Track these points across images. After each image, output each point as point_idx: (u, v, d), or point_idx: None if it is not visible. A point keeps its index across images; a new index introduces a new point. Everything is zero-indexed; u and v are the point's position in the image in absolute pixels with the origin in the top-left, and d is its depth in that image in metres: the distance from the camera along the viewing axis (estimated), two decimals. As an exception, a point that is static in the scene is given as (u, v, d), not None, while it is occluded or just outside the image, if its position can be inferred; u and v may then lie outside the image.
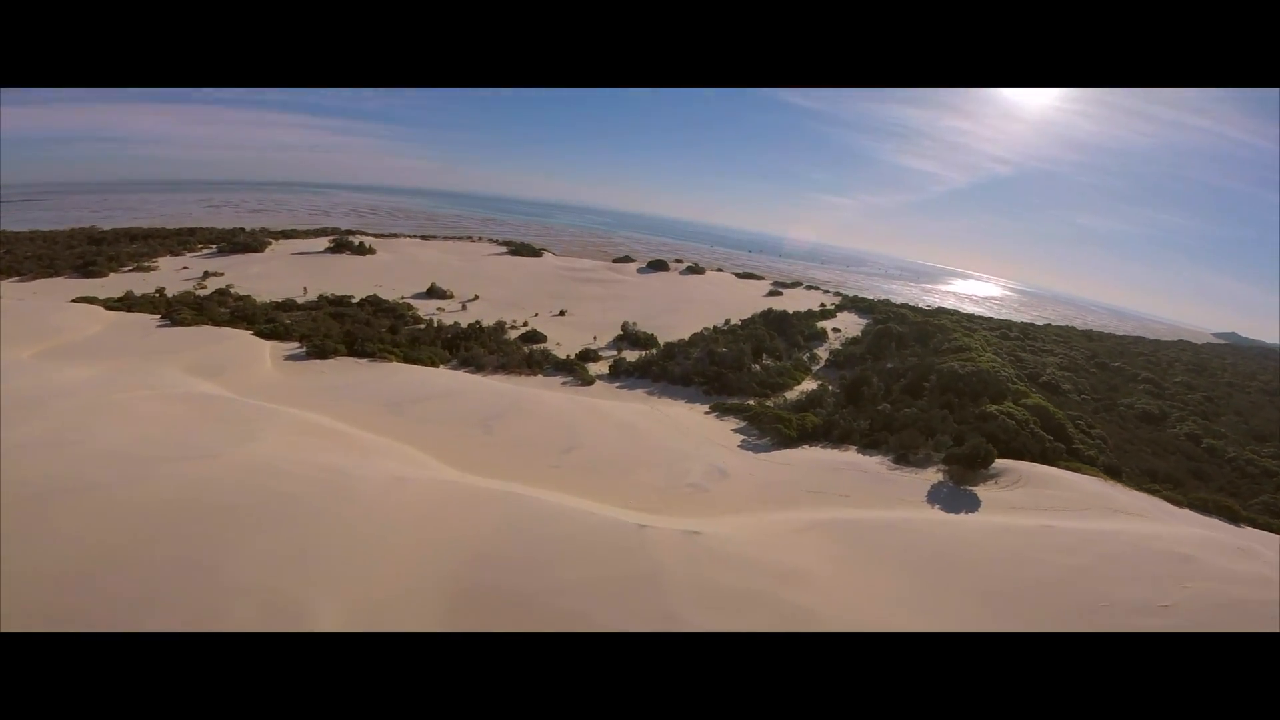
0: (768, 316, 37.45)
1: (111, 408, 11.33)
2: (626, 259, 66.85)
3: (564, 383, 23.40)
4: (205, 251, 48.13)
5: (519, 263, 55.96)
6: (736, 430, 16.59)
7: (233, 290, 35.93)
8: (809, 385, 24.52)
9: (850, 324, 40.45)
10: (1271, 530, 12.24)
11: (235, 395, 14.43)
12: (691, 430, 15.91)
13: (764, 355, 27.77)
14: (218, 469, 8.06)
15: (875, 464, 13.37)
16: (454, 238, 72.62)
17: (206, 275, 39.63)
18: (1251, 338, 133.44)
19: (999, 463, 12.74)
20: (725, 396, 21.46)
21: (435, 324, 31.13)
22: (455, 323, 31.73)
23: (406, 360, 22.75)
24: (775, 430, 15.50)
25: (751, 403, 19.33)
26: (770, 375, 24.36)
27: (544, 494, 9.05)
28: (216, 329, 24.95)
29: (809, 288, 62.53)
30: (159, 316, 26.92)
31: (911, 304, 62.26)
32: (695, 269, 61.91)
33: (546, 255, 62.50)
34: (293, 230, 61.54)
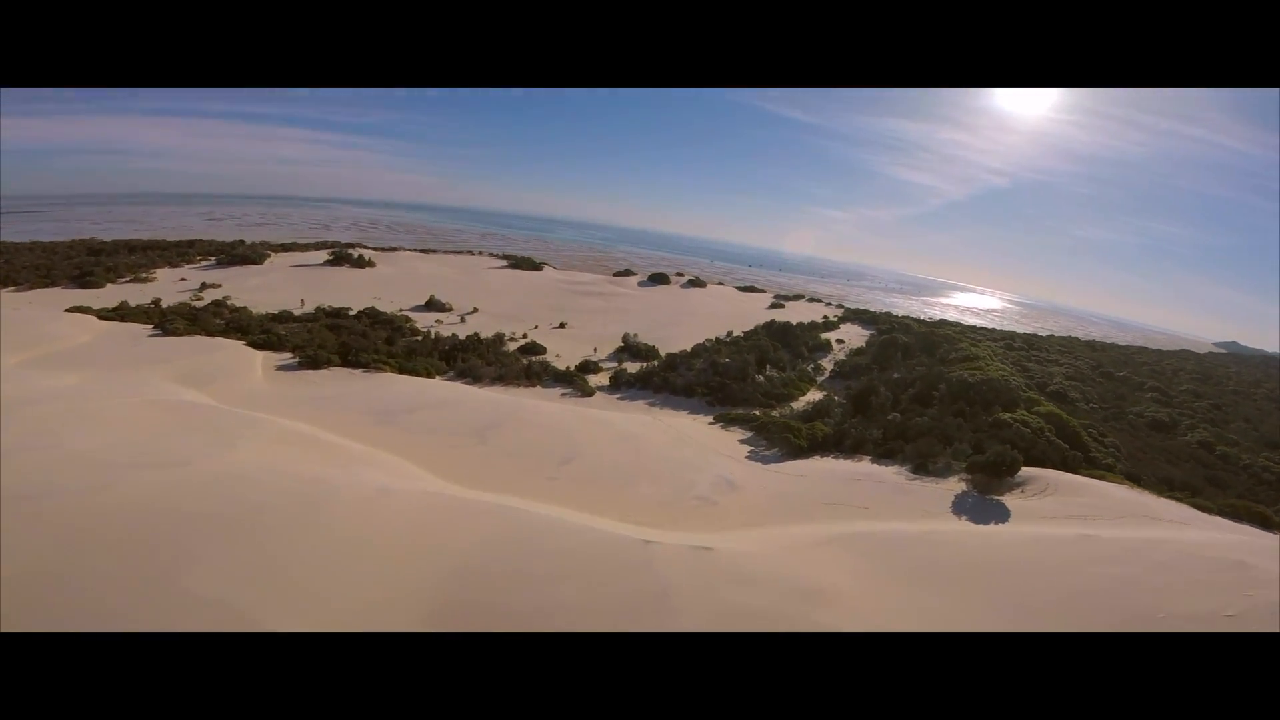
0: (771, 328, 37.02)
1: (85, 414, 10.77)
2: (627, 272, 66.74)
3: (563, 394, 22.85)
4: (204, 263, 47.98)
5: (519, 276, 55.80)
6: (743, 441, 15.96)
7: (229, 302, 35.67)
8: (814, 396, 23.94)
9: (854, 335, 40.00)
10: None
11: (220, 404, 13.86)
12: (696, 441, 15.28)
13: (768, 366, 27.24)
14: (186, 476, 7.48)
15: (892, 474, 12.74)
16: (454, 251, 72.68)
17: (204, 287, 39.38)
18: (1252, 347, 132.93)
19: (1024, 471, 12.13)
20: (729, 407, 20.88)
21: (433, 336, 30.71)
22: (453, 335, 31.32)
23: (401, 371, 22.24)
24: (784, 440, 14.87)
25: (757, 413, 18.74)
26: (775, 386, 23.79)
27: (540, 507, 8.43)
28: (209, 339, 24.54)
29: (811, 300, 62.30)
30: (151, 326, 26.56)
31: (913, 317, 61.95)
32: (696, 282, 61.72)
33: (547, 269, 62.37)
34: (293, 243, 61.58)
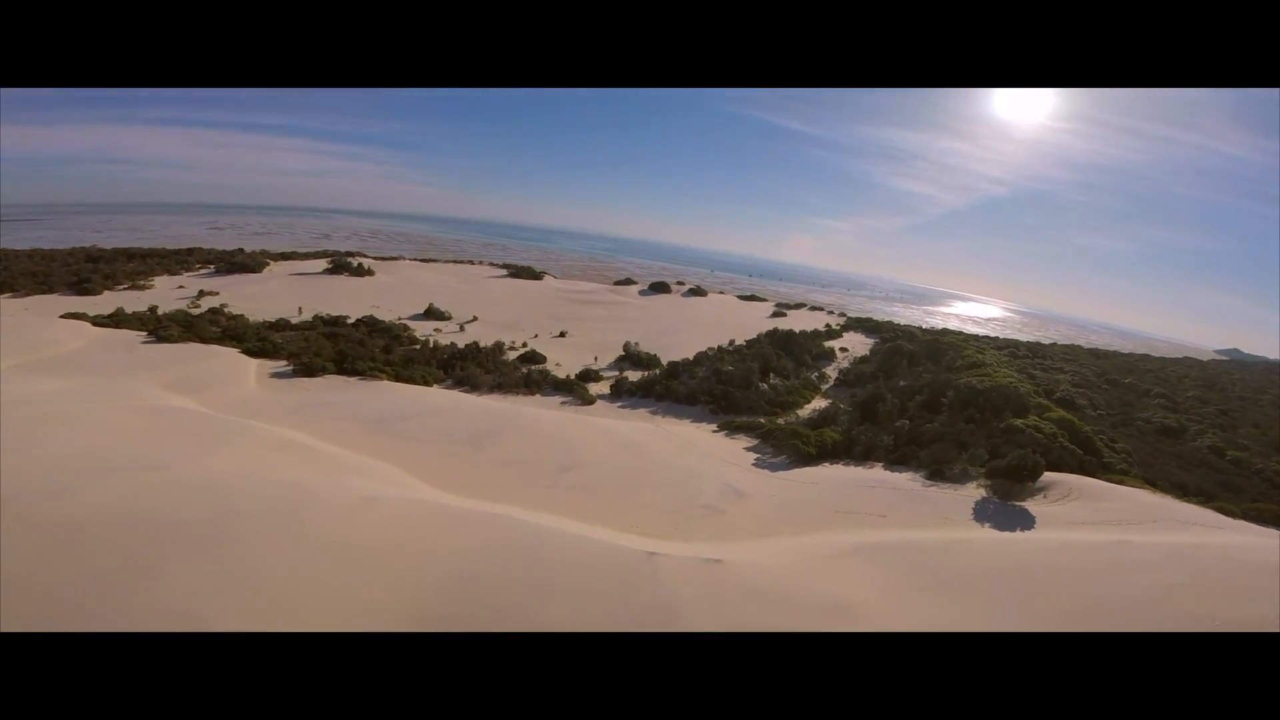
0: (773, 336, 36.61)
1: (66, 418, 10.35)
2: (628, 281, 66.60)
3: (563, 402, 22.38)
4: (203, 271, 47.78)
5: (519, 285, 55.58)
6: (748, 449, 15.44)
7: (226, 309, 35.31)
8: (820, 404, 23.47)
9: (857, 344, 39.61)
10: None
11: (208, 410, 13.41)
12: (700, 448, 14.78)
13: (771, 374, 26.79)
14: (161, 482, 7.04)
15: (907, 481, 12.23)
16: (455, 261, 72.58)
17: (201, 294, 39.09)
18: (1254, 354, 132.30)
19: (1045, 476, 11.63)
20: (733, 415, 20.40)
21: (431, 344, 30.31)
22: (452, 343, 30.93)
23: (398, 379, 21.79)
24: (793, 447, 14.36)
25: (763, 420, 18.26)
26: (779, 394, 23.32)
27: (536, 516, 7.94)
28: (203, 346, 24.15)
29: (813, 309, 62.01)
30: (145, 333, 26.19)
31: (916, 325, 61.60)
32: (698, 291, 61.53)
33: (547, 278, 62.19)
34: (293, 252, 61.45)
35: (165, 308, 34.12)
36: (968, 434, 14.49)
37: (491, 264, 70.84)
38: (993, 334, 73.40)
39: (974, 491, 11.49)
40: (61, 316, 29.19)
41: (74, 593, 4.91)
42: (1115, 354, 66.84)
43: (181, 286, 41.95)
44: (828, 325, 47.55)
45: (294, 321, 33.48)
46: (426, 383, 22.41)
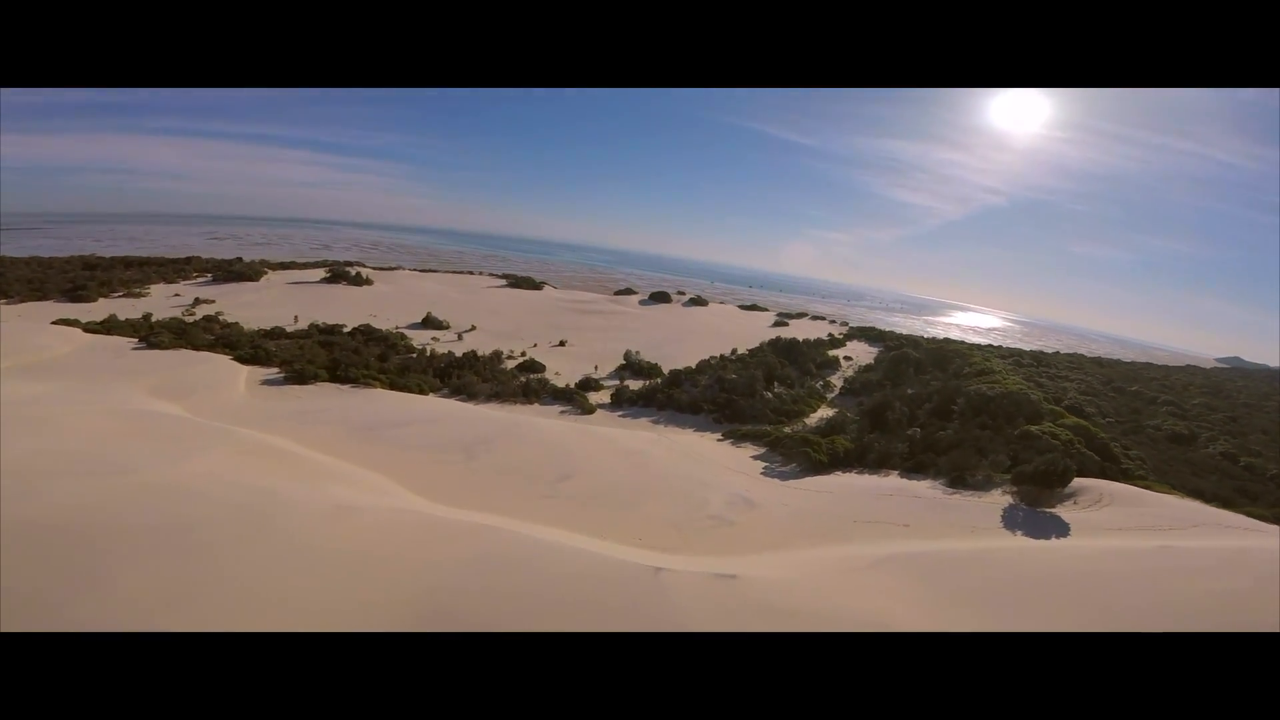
0: (777, 345, 36.10)
1: (40, 421, 9.79)
2: (628, 291, 66.30)
3: (562, 411, 21.77)
4: (200, 280, 47.42)
5: (519, 295, 55.23)
6: (756, 457, 14.80)
7: (221, 317, 34.89)
8: (826, 412, 22.86)
9: (861, 352, 39.08)
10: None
11: (191, 415, 12.81)
12: (706, 457, 14.13)
13: (775, 383, 26.20)
14: (126, 486, 6.47)
15: (927, 489, 11.58)
16: (454, 271, 72.38)
17: (197, 302, 38.71)
18: (1255, 362, 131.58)
19: (1073, 482, 10.99)
20: (737, 424, 19.79)
21: (428, 353, 29.79)
22: (449, 352, 30.41)
23: (392, 387, 21.22)
24: (803, 455, 13.70)
25: (769, 428, 17.64)
26: (784, 402, 22.71)
27: (530, 527, 7.31)
28: (194, 353, 23.65)
29: (814, 319, 61.62)
30: (136, 340, 25.71)
31: (917, 335, 61.15)
32: (698, 301, 61.17)
33: (547, 288, 61.87)
34: (292, 262, 61.18)
35: (160, 315, 33.69)
36: (985, 440, 13.87)
37: (491, 274, 70.60)
38: (995, 343, 72.96)
39: (999, 499, 10.85)
40: (53, 323, 28.80)
41: (14, 598, 4.32)
42: (1118, 362, 66.46)
43: (177, 294, 41.58)
44: (830, 334, 47.10)
45: (289, 330, 33.03)
46: (422, 391, 21.83)
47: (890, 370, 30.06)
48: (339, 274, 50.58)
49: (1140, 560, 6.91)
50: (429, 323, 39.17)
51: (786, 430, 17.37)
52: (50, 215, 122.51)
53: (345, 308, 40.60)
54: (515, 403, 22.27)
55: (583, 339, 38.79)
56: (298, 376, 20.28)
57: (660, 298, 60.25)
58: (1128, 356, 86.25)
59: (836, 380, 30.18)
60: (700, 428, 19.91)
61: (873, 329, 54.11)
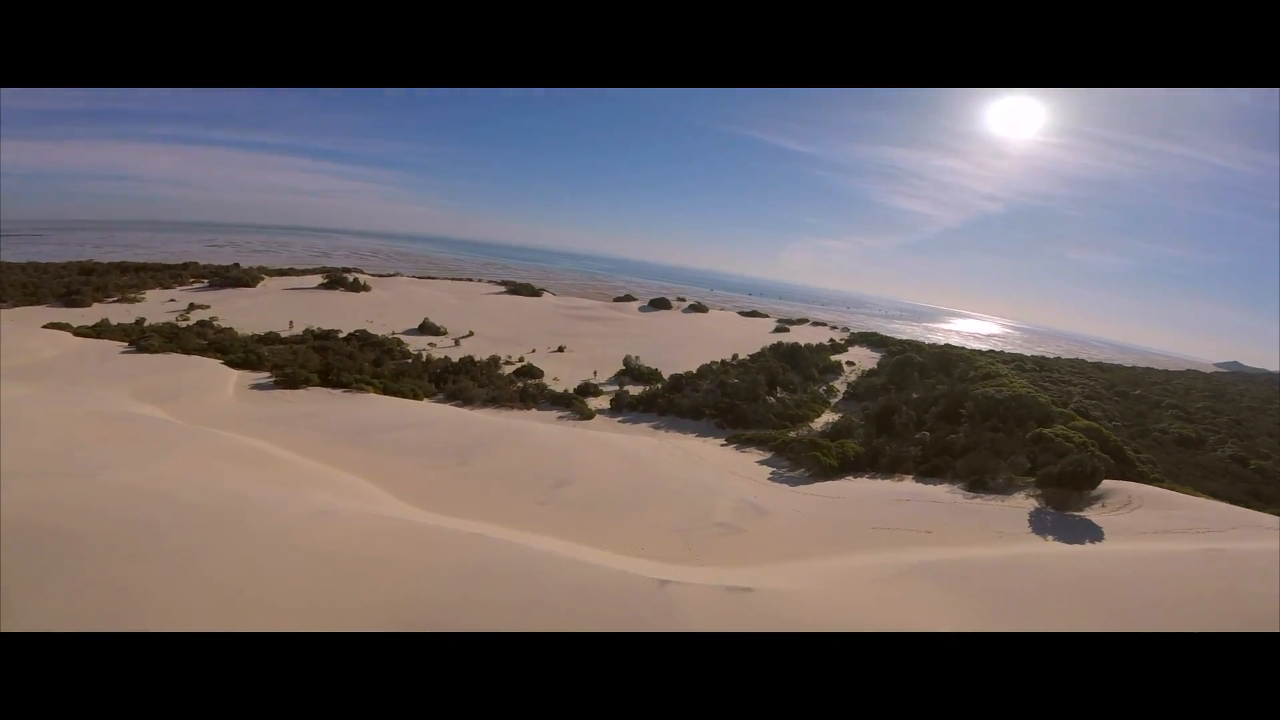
0: (778, 350, 35.65)
1: (9, 422, 9.28)
2: (628, 298, 66.02)
3: (560, 417, 21.25)
4: (196, 286, 47.05)
5: (518, 302, 54.86)
6: (761, 462, 14.25)
7: (215, 322, 34.46)
8: (830, 417, 22.36)
9: (864, 357, 38.63)
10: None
11: (173, 419, 12.29)
12: (709, 462, 13.58)
13: (778, 388, 25.70)
14: (86, 488, 5.97)
15: (945, 493, 11.04)
16: (453, 278, 72.07)
17: (192, 307, 38.29)
18: (1254, 366, 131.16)
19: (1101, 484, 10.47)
20: (740, 429, 19.26)
21: (424, 358, 29.30)
22: (445, 357, 29.95)
23: (386, 392, 20.70)
24: (812, 459, 13.14)
25: (775, 433, 17.11)
26: (788, 407, 22.20)
27: (524, 536, 6.77)
28: (184, 357, 23.20)
29: (815, 324, 61.28)
30: (126, 344, 25.27)
31: (918, 341, 60.77)
32: (698, 307, 60.85)
33: (546, 295, 61.50)
34: (290, 269, 60.86)
35: (154, 320, 33.28)
36: (1001, 443, 13.36)
37: (490, 281, 70.27)
38: (996, 349, 72.64)
39: (1023, 502, 10.32)
40: (43, 326, 28.38)
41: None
42: (1119, 367, 66.22)
43: (172, 300, 41.19)
44: (832, 340, 46.70)
45: (284, 335, 32.58)
46: (416, 396, 21.32)
47: (894, 374, 29.59)
48: (336, 280, 50.22)
49: (1190, 564, 6.41)
50: (426, 328, 38.75)
51: (792, 435, 16.84)
52: (51, 222, 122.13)
53: (342, 314, 40.21)
54: (512, 408, 21.77)
55: (582, 345, 38.36)
56: (288, 381, 19.78)
57: (660, 304, 59.92)
58: (1128, 362, 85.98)
59: (840, 385, 29.70)
60: (702, 433, 19.39)
61: (874, 334, 53.76)
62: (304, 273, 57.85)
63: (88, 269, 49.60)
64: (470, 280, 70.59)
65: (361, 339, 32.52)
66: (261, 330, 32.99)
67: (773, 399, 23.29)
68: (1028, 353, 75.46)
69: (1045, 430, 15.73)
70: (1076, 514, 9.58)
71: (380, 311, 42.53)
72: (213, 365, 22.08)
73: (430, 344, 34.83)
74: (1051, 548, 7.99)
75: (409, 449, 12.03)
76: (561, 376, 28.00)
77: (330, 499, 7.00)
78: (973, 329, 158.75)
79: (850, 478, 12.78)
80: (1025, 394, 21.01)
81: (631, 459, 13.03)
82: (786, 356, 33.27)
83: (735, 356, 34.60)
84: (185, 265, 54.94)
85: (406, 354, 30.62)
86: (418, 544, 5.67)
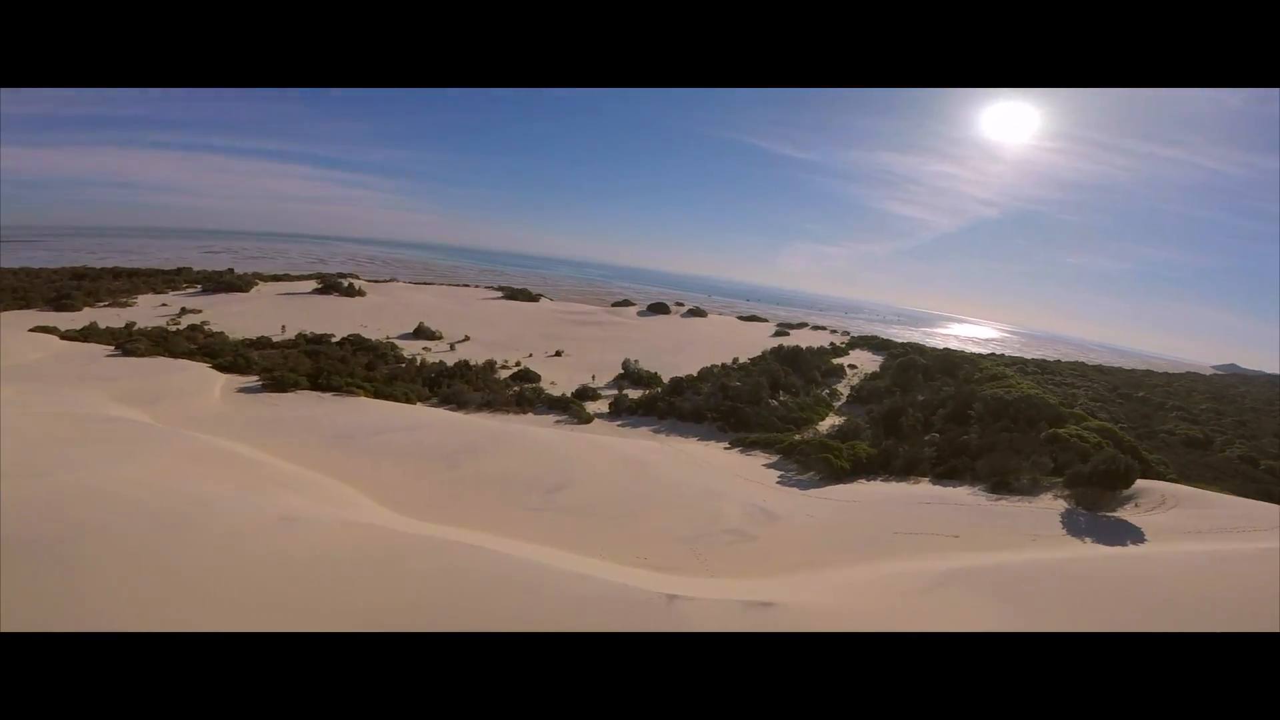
0: (780, 353, 35.15)
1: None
2: (626, 303, 65.56)
3: (557, 421, 20.66)
4: (190, 291, 46.45)
5: (515, 307, 54.31)
6: (768, 465, 13.64)
7: (206, 327, 33.89)
8: (834, 420, 21.81)
9: (865, 360, 38.15)
10: None
11: (152, 421, 11.67)
12: (714, 466, 12.97)
13: (780, 391, 25.15)
14: (32, 491, 5.41)
15: (967, 495, 10.45)
16: (449, 284, 71.57)
17: (184, 312, 37.71)
18: (1251, 369, 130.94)
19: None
20: (743, 433, 18.68)
21: (418, 362, 28.71)
22: (440, 361, 29.35)
23: (377, 396, 20.08)
24: (823, 462, 12.54)
25: (780, 435, 16.52)
26: (791, 410, 21.64)
27: (515, 545, 6.16)
28: (171, 360, 22.58)
29: (815, 328, 60.86)
30: (113, 347, 24.68)
31: (919, 345, 60.35)
32: (697, 312, 60.39)
33: (543, 300, 60.99)
34: (285, 275, 60.28)
35: (145, 324, 32.71)
36: (1020, 443, 12.80)
37: (487, 287, 69.78)
38: (995, 353, 72.29)
39: (1052, 503, 9.74)
40: (30, 330, 27.79)
41: None
42: (1119, 370, 66.03)
43: (164, 305, 40.62)
44: (833, 343, 46.26)
45: (276, 340, 31.98)
46: (409, 400, 20.71)
47: (898, 377, 29.07)
48: (331, 285, 49.65)
49: (1244, 565, 5.88)
50: (421, 333, 38.18)
51: (797, 437, 16.26)
52: (49, 228, 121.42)
53: (336, 318, 39.61)
54: (508, 412, 21.18)
55: (580, 349, 37.81)
56: (276, 384, 19.16)
57: (658, 309, 59.47)
58: (1126, 365, 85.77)
59: (842, 388, 29.18)
60: (704, 436, 18.81)
61: (875, 337, 53.38)
62: (299, 278, 57.26)
63: (80, 274, 49.01)
64: (467, 286, 70.07)
65: (355, 343, 31.93)
66: (253, 335, 32.42)
67: (775, 402, 22.74)
68: (1028, 356, 75.13)
69: (1060, 431, 15.21)
70: (1109, 515, 9.01)
71: (375, 316, 41.96)
72: (199, 369, 21.49)
73: (425, 348, 34.27)
74: (1093, 550, 7.41)
75: (395, 452, 11.41)
76: (559, 381, 27.42)
77: (299, 503, 6.39)
78: (971, 333, 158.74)
79: (863, 480, 12.18)
80: (1034, 395, 20.52)
81: (632, 462, 12.41)
82: (788, 360, 32.74)
83: (735, 360, 34.07)
84: (179, 270, 54.34)
85: (400, 358, 30.04)
86: (388, 552, 5.07)
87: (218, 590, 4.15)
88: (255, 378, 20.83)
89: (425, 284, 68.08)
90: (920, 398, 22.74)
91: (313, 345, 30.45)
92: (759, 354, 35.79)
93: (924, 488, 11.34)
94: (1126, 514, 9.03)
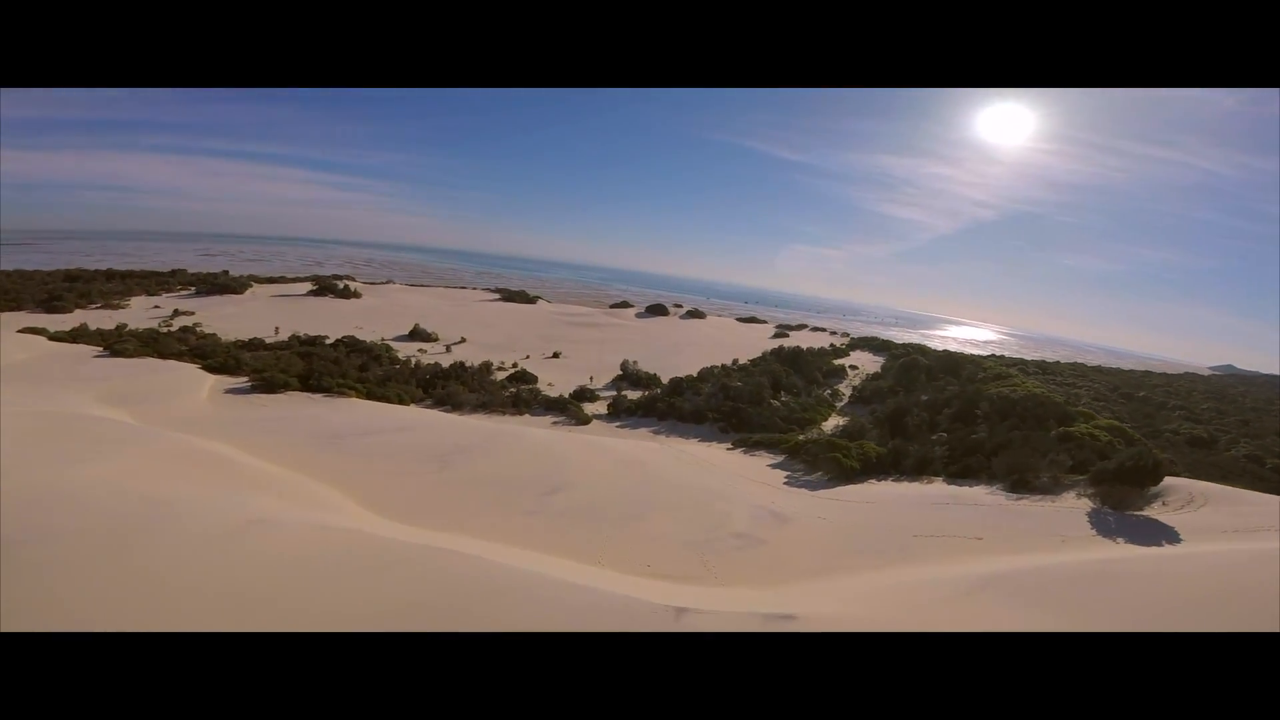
0: (780, 354, 34.76)
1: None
2: (624, 305, 65.14)
3: (555, 422, 20.19)
4: (183, 293, 45.92)
5: (512, 308, 53.86)
6: (773, 466, 13.19)
7: (199, 328, 33.39)
8: (837, 421, 21.39)
9: (866, 361, 37.78)
10: None
11: (133, 421, 11.17)
12: (718, 466, 12.50)
13: (782, 392, 24.73)
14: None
15: (985, 495, 10.00)
16: (446, 286, 71.10)
17: (176, 314, 37.21)
18: (1248, 370, 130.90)
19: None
20: (745, 434, 18.23)
21: (413, 364, 28.23)
22: (435, 363, 28.88)
23: (370, 397, 19.59)
24: (832, 461, 12.08)
25: (785, 435, 16.07)
26: (793, 411, 21.21)
27: (507, 551, 5.69)
28: (159, 361, 22.09)
29: (814, 329, 60.53)
30: (101, 348, 24.20)
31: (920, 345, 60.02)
32: (696, 313, 60.01)
33: (541, 302, 60.55)
34: (281, 277, 59.74)
35: (137, 326, 32.22)
36: (1035, 441, 12.38)
37: (484, 289, 69.31)
38: (994, 355, 71.98)
39: (1075, 503, 9.29)
40: (18, 331, 27.31)
41: None
42: (1119, 371, 65.90)
43: (157, 306, 40.14)
44: (833, 344, 45.93)
45: (269, 341, 31.48)
46: (403, 401, 20.23)
47: (901, 377, 28.69)
48: (326, 287, 49.15)
49: None
50: (416, 334, 37.71)
51: (802, 437, 15.80)
52: (45, 232, 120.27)
53: (330, 320, 39.09)
54: (504, 413, 20.71)
55: (577, 351, 37.38)
56: (266, 385, 18.66)
57: (657, 310, 59.08)
58: (1124, 366, 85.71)
59: (844, 389, 28.78)
60: (705, 437, 18.35)
61: (875, 338, 53.08)
62: (294, 280, 56.71)
63: (73, 276, 48.39)
64: (464, 288, 69.60)
65: (349, 345, 31.44)
66: (246, 336, 31.92)
67: (777, 402, 22.31)
68: (1027, 358, 74.97)
69: (1071, 429, 14.80)
70: (1137, 514, 8.57)
71: (370, 318, 41.48)
72: (188, 369, 21.02)
73: (420, 350, 33.81)
74: (1130, 551, 6.97)
75: (383, 453, 10.92)
76: (557, 382, 26.97)
77: (272, 506, 5.93)
78: (969, 335, 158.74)
79: (873, 480, 11.73)
80: (1041, 394, 20.15)
81: (632, 463, 11.94)
82: (789, 360, 32.33)
83: (735, 361, 33.67)
84: (173, 272, 53.78)
85: (395, 360, 29.56)
86: (363, 558, 4.60)
87: (170, 597, 3.70)
88: (245, 379, 20.34)
89: (422, 286, 67.61)
90: (924, 397, 22.34)
91: (306, 347, 29.95)
92: (759, 355, 35.41)
93: (938, 488, 10.89)
94: (1155, 512, 8.60)
